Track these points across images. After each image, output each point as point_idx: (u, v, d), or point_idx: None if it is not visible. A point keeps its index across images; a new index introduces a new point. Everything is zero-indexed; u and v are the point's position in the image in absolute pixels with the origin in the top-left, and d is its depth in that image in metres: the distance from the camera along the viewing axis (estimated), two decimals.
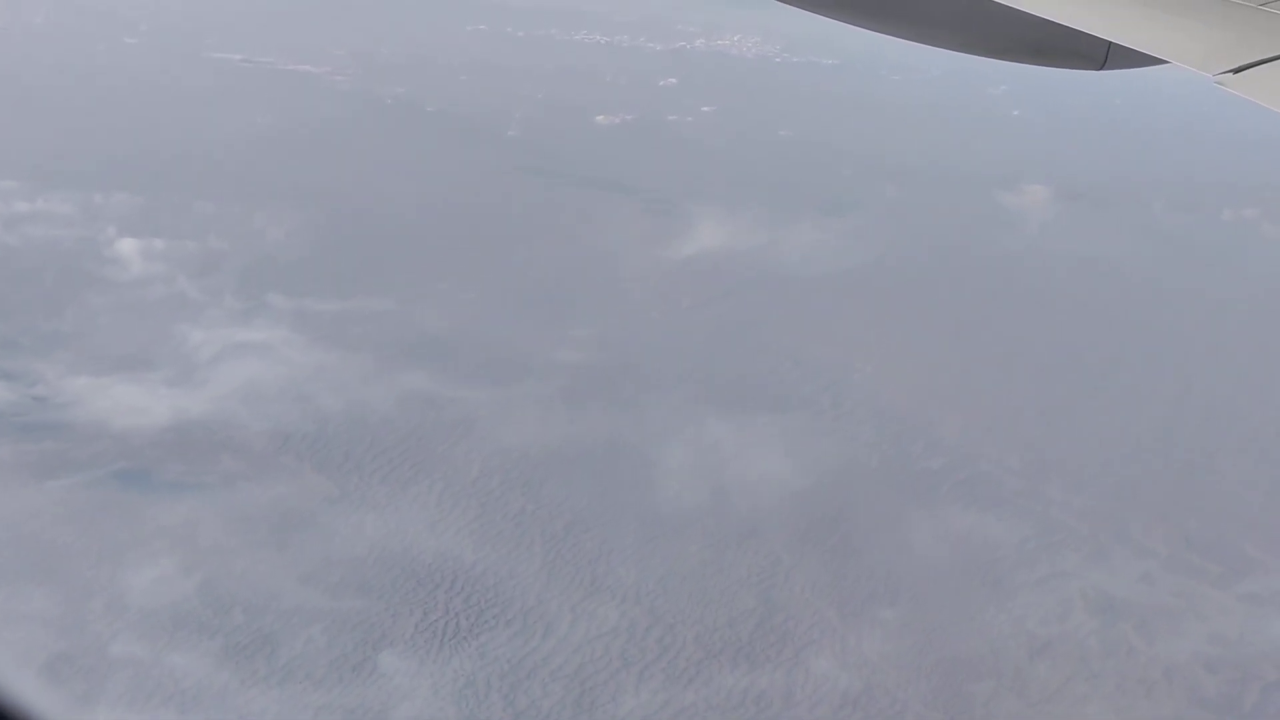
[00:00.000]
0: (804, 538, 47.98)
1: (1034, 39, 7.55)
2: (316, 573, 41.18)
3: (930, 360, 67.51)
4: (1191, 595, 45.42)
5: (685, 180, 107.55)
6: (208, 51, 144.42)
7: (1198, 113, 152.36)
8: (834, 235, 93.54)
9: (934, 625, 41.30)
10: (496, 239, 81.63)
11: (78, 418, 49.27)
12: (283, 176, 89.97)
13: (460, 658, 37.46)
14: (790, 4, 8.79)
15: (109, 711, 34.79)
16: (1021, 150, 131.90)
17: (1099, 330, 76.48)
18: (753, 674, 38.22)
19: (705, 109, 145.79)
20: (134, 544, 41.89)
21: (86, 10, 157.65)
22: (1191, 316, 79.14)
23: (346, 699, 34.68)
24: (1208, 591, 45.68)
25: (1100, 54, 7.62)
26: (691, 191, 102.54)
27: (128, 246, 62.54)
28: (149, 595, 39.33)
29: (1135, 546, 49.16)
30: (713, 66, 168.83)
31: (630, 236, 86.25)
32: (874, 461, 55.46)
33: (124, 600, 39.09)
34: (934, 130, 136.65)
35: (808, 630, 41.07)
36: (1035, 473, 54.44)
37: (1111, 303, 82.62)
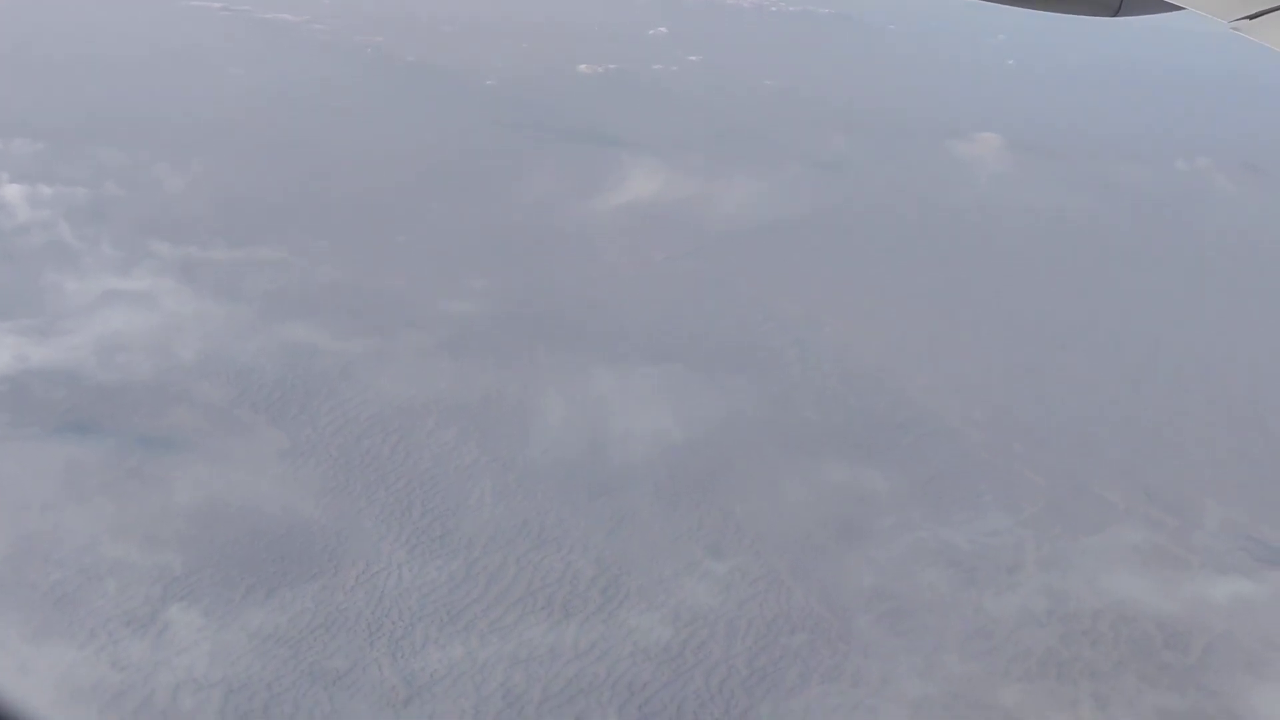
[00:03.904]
0: (672, 491, 46.74)
1: None
2: (140, 526, 40.24)
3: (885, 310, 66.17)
4: (1063, 546, 43.87)
5: (659, 130, 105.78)
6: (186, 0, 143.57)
7: (1205, 61, 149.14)
8: (796, 184, 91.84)
9: (769, 578, 40.01)
10: (437, 189, 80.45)
11: None
12: (231, 127, 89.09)
13: (260, 611, 36.48)
14: None
15: None
16: (1008, 99, 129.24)
17: (1078, 286, 74.72)
18: (564, 627, 37.09)
19: (692, 58, 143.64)
20: None
21: None
22: (1183, 272, 77.30)
23: (121, 654, 33.79)
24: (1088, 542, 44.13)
25: (1115, 0, 7.40)
26: (659, 140, 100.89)
27: (12, 192, 61.49)
28: None
29: (1097, 500, 47.98)
30: (706, 16, 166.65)
31: (574, 186, 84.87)
32: (770, 414, 54.13)
33: None
34: (919, 79, 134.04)
35: (638, 583, 39.87)
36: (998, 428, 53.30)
37: (1091, 258, 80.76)
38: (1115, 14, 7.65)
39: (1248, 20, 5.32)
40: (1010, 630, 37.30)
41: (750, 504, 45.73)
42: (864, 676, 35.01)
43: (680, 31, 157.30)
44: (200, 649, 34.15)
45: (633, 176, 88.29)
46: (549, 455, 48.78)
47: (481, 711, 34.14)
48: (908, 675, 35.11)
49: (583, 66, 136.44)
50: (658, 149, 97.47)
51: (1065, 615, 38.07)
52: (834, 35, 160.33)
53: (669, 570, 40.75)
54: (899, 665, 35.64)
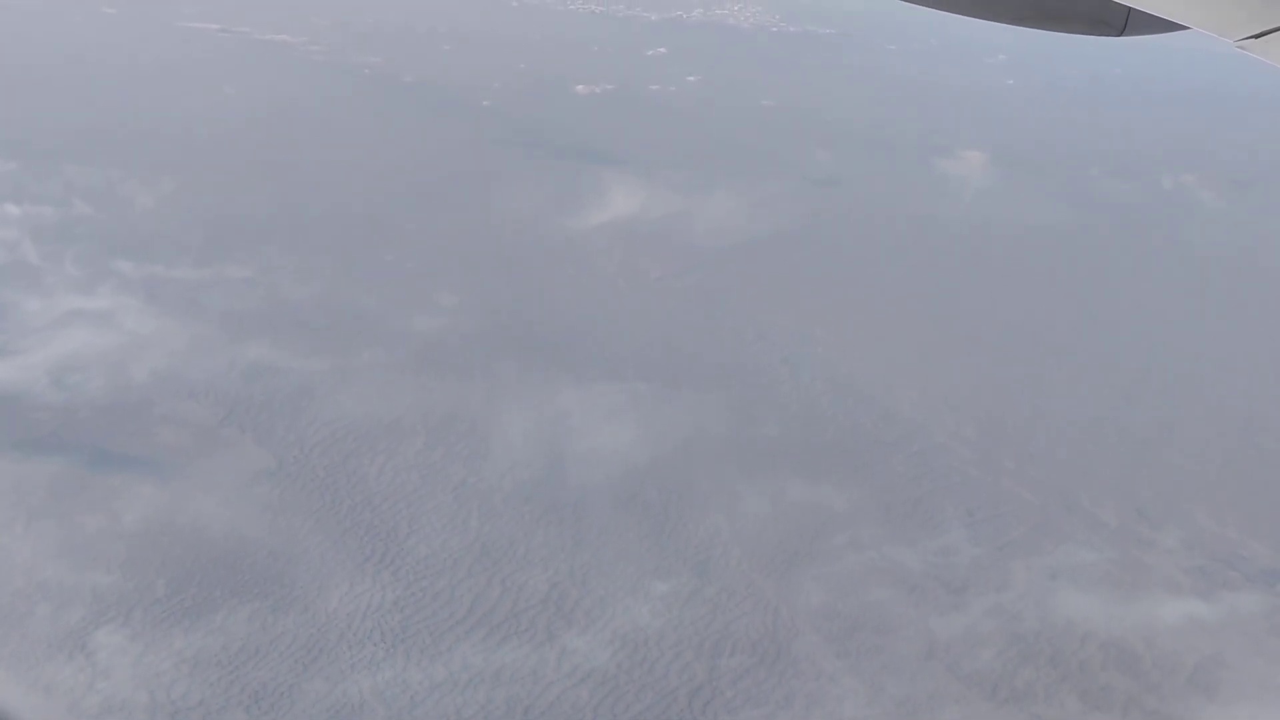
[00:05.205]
0: (630, 511, 46.20)
1: (1053, 5, 7.48)
2: (83, 547, 39.85)
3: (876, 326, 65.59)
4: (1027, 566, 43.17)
5: (652, 148, 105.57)
6: (184, 21, 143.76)
7: (1211, 80, 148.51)
8: (789, 201, 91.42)
9: (717, 599, 39.42)
10: (421, 206, 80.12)
11: None
12: (218, 145, 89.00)
13: (194, 634, 36.01)
14: None
15: None
16: (1002, 117, 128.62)
17: (1071, 301, 74.11)
18: (504, 650, 36.54)
19: (690, 78, 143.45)
20: None
21: None
22: (1168, 287, 76.60)
23: (48, 677, 33.33)
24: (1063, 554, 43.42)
25: (1120, 19, 7.45)
26: (652, 158, 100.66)
27: None
28: None
29: (1086, 516, 47.38)
30: (706, 36, 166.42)
31: (561, 202, 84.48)
32: (745, 432, 53.56)
33: None
34: (915, 98, 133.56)
35: (585, 605, 39.32)
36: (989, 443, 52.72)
37: (1076, 272, 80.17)
38: (1120, 33, 7.55)
39: (1253, 39, 5.31)
40: (956, 651, 36.62)
41: (709, 524, 45.17)
42: (798, 698, 34.37)
43: (679, 52, 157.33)
44: (127, 672, 33.70)
45: (622, 193, 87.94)
46: (508, 475, 48.29)
47: None
48: (845, 697, 34.48)
49: (579, 86, 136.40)
50: (650, 166, 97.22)
51: (1012, 636, 37.38)
52: (833, 55, 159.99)
53: (616, 591, 40.20)
54: (837, 687, 35.01)
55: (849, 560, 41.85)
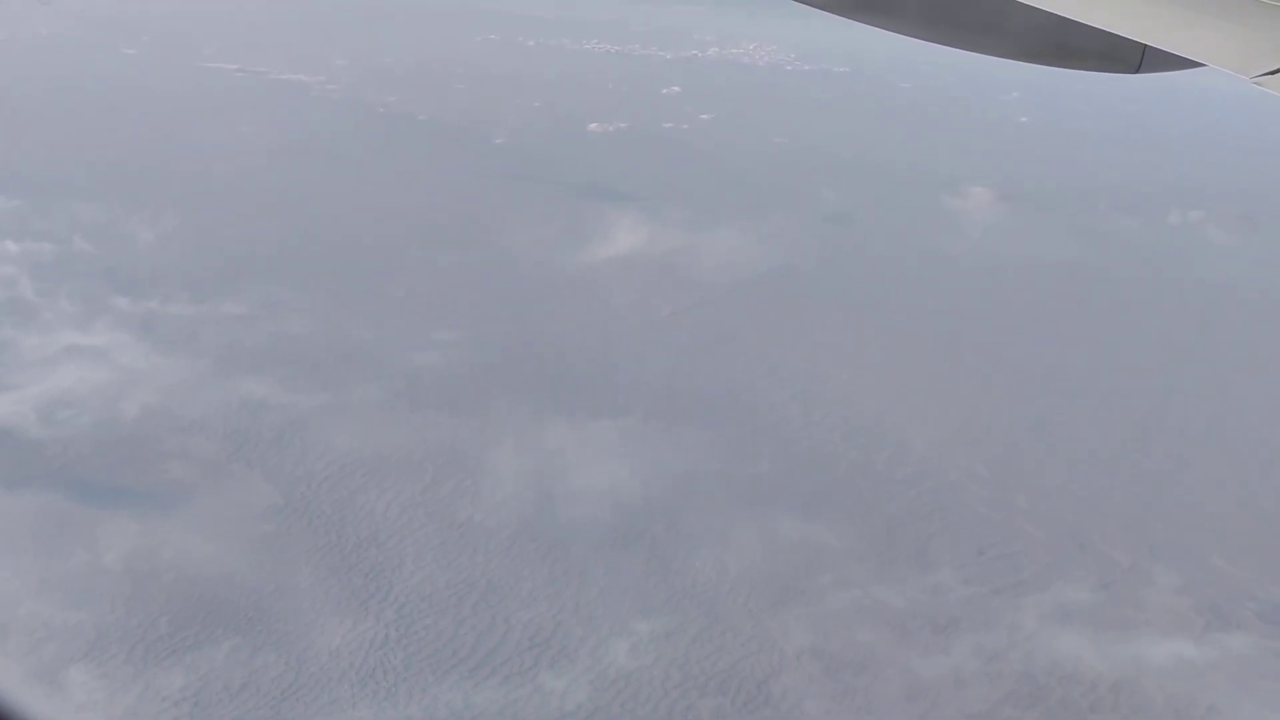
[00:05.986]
0: (619, 549, 45.83)
1: (1068, 42, 7.44)
2: (64, 582, 39.74)
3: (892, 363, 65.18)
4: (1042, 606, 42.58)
5: (664, 185, 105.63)
6: (203, 61, 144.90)
7: (1227, 118, 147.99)
8: (801, 238, 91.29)
9: (698, 638, 39.02)
10: (427, 243, 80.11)
11: None
12: (227, 183, 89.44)
13: (166, 673, 35.81)
14: (811, 5, 8.34)
15: None
16: (1015, 156, 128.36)
17: (1084, 338, 73.66)
18: (480, 690, 36.21)
19: (704, 116, 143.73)
20: None
21: (91, 21, 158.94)
22: (1186, 326, 76.13)
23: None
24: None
25: (1135, 57, 7.44)
26: (663, 196, 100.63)
27: None
28: None
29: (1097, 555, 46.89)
30: (721, 75, 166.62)
31: (569, 239, 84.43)
32: (748, 470, 53.11)
33: None
34: (927, 136, 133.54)
35: (566, 644, 38.98)
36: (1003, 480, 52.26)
37: (1101, 309, 79.68)
38: (1136, 71, 7.51)
39: (1270, 75, 5.31)
40: (938, 691, 36.12)
41: (698, 562, 44.76)
42: None
43: (694, 90, 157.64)
44: (98, 711, 33.45)
45: (631, 229, 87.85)
46: (497, 512, 48.01)
47: None
48: None
49: (593, 124, 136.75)
50: (660, 203, 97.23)
51: (995, 676, 36.86)
52: (847, 92, 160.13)
53: (597, 630, 39.83)
54: None
55: (838, 599, 41.40)
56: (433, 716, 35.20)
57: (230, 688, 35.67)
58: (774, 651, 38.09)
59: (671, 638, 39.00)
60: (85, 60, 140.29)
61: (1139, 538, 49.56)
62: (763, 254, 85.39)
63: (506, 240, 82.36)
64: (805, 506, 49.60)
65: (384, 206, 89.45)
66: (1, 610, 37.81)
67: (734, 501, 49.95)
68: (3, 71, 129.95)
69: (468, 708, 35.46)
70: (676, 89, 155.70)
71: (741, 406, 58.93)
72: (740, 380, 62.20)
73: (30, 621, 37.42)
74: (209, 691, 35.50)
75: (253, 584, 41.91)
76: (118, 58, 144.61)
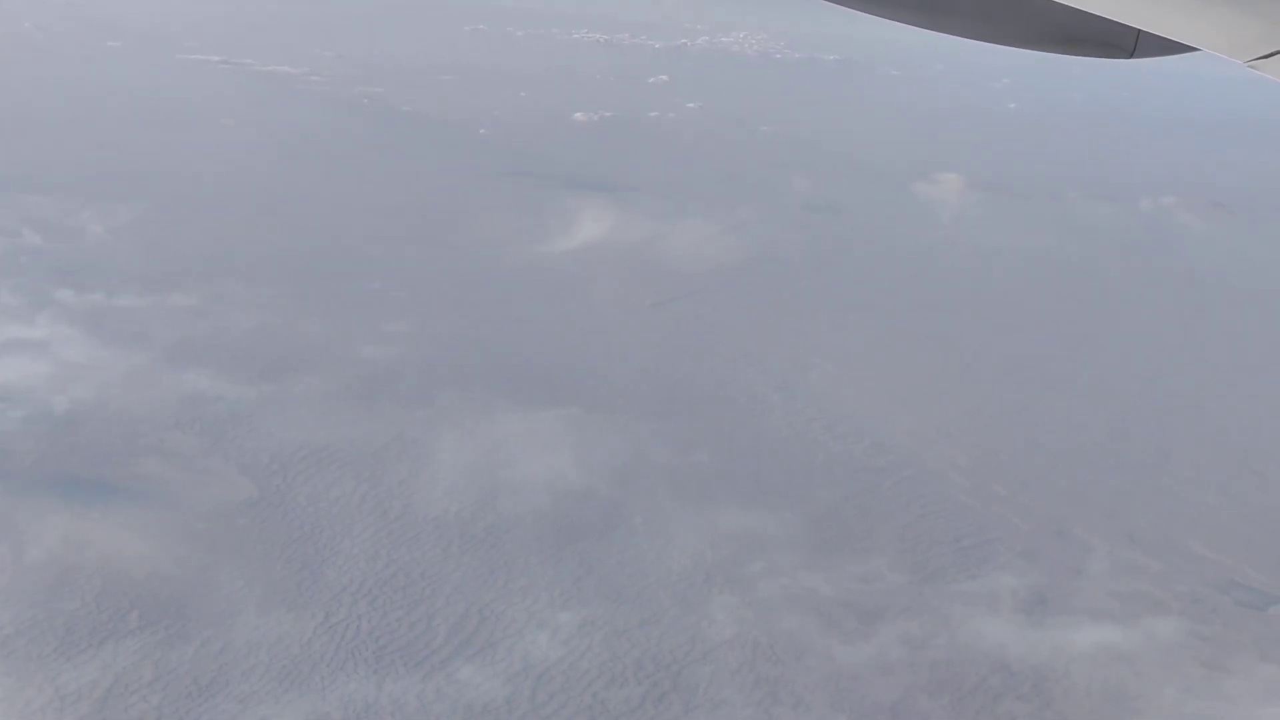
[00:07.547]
0: (553, 541, 45.20)
1: (1061, 28, 7.23)
2: None
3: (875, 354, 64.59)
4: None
5: (645, 175, 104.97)
6: (186, 54, 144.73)
7: (1220, 102, 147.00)
8: (783, 228, 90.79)
9: (621, 629, 38.40)
10: (400, 236, 79.47)
11: None
12: (201, 176, 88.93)
13: (76, 668, 35.27)
14: None
15: None
16: (1001, 144, 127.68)
17: (1065, 327, 73.07)
18: (396, 683, 35.64)
19: (690, 105, 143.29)
20: None
21: (75, 16, 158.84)
22: (1165, 314, 75.55)
23: None
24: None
25: (1129, 42, 7.23)
26: (644, 186, 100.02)
27: None
28: None
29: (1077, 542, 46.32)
30: (710, 64, 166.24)
31: (542, 232, 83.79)
32: (666, 457, 52.42)
33: None
34: (910, 124, 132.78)
35: (491, 636, 38.38)
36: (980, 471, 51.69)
37: (1085, 299, 79.10)
38: (1130, 56, 7.32)
39: (1264, 60, 5.21)
40: (857, 680, 35.52)
41: (632, 553, 44.14)
42: None
43: (681, 79, 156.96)
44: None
45: (612, 219, 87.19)
46: (435, 504, 47.35)
47: None
48: None
49: (578, 114, 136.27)
50: (642, 193, 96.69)
51: (917, 664, 36.23)
52: (835, 81, 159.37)
53: (519, 621, 39.23)
54: (727, 718, 33.93)
55: (768, 587, 40.80)
56: (337, 714, 34.64)
57: (138, 683, 35.13)
58: (696, 641, 37.49)
59: (594, 628, 38.39)
60: (67, 55, 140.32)
61: (1118, 525, 49.04)
62: (747, 244, 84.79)
63: (485, 232, 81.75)
64: (786, 496, 48.86)
65: (364, 199, 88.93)
66: None
67: (677, 492, 49.33)
68: None
69: (379, 701, 34.90)
70: (664, 78, 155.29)
71: (727, 397, 58.34)
72: (722, 371, 61.63)
73: None
74: (119, 687, 34.98)
75: (180, 578, 41.28)
76: (102, 51, 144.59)
